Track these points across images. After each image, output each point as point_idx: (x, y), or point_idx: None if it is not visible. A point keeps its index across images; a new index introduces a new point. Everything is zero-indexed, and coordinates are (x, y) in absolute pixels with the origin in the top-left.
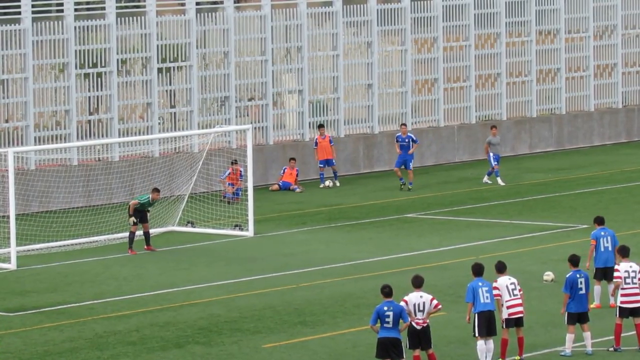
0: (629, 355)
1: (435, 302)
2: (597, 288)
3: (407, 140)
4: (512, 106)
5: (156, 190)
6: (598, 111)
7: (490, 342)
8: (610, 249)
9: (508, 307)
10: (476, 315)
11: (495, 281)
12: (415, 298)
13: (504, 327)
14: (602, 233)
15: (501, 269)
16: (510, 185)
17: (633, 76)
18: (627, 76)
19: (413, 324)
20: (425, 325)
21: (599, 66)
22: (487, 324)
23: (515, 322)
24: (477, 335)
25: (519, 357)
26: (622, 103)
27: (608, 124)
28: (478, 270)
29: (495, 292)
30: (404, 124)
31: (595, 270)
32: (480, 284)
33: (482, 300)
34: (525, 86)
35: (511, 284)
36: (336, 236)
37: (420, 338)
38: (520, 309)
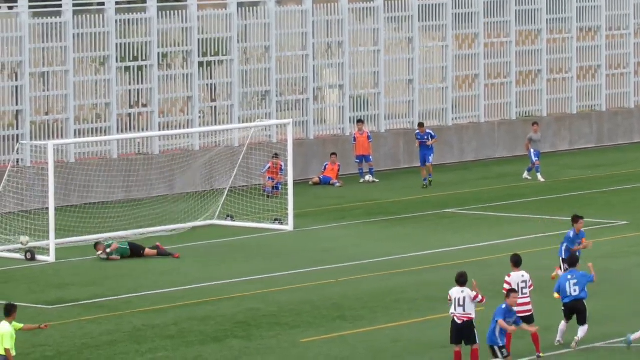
0: None
1: (479, 297)
2: None
3: (425, 137)
4: (552, 103)
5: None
6: (638, 108)
7: (583, 328)
8: None
9: (519, 305)
10: (563, 305)
11: (509, 275)
12: (457, 293)
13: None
14: None
15: (517, 263)
16: (549, 181)
17: None
18: None
19: (455, 318)
20: (466, 320)
21: None
22: (570, 313)
23: (523, 320)
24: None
25: (538, 354)
26: None
27: None
28: (571, 261)
29: (505, 286)
30: (421, 124)
31: None
32: (569, 277)
33: (568, 293)
34: (565, 83)
35: (522, 281)
36: (374, 231)
37: (462, 333)
38: (527, 307)
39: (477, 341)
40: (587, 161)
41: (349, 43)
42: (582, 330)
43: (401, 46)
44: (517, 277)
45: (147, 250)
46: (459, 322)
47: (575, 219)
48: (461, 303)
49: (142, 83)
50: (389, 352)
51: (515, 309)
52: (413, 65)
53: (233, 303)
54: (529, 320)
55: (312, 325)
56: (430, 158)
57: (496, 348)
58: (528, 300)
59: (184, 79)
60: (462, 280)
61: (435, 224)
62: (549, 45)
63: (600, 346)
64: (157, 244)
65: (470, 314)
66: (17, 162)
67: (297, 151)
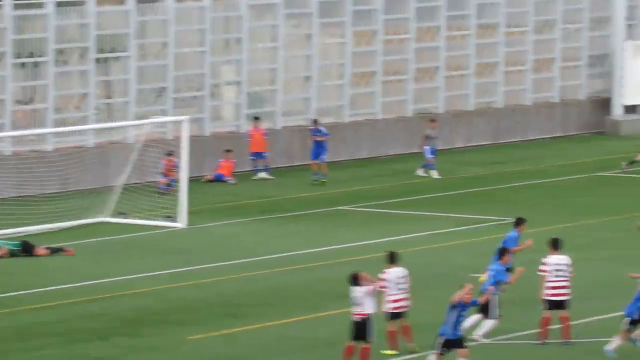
0: (554, 348)
1: (374, 286)
2: None
3: (318, 133)
4: (449, 99)
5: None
6: (535, 105)
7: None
8: None
9: (393, 301)
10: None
11: (384, 272)
12: (354, 292)
13: (389, 319)
14: None
15: (393, 259)
16: (445, 178)
17: (571, 71)
18: (565, 71)
19: (354, 316)
20: (363, 317)
21: (538, 60)
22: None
23: (397, 316)
24: None
25: (413, 345)
26: (560, 97)
27: (545, 118)
28: (500, 253)
29: (381, 283)
30: (316, 120)
31: None
32: (492, 267)
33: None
34: (463, 79)
35: (401, 277)
36: (268, 228)
37: (359, 330)
38: (405, 302)
39: (370, 340)
40: (484, 158)
41: (247, 40)
42: (484, 325)
43: (299, 43)
44: (395, 273)
45: (39, 250)
46: (356, 319)
47: (520, 221)
48: (358, 302)
49: (37, 79)
50: (277, 349)
51: (392, 305)
52: (311, 62)
53: (123, 300)
54: (400, 316)
55: (200, 323)
56: (324, 157)
57: (441, 339)
58: (406, 295)
59: (79, 75)
60: (355, 281)
61: (329, 221)
62: (448, 42)
63: (489, 343)
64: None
65: (366, 311)
66: None
67: (192, 148)
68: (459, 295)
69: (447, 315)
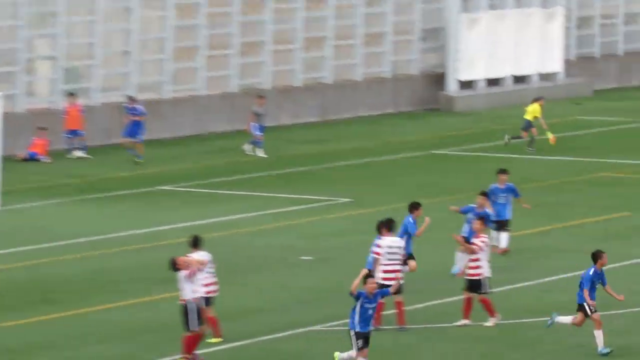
0: (389, 334)
1: (190, 271)
2: None
3: (135, 111)
4: (276, 75)
5: None
6: (366, 80)
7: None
8: None
9: (205, 286)
10: None
11: (187, 256)
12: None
13: (204, 305)
14: None
15: (195, 244)
16: (271, 156)
17: (403, 45)
18: (398, 45)
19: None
20: (182, 304)
21: (369, 34)
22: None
23: (211, 301)
24: None
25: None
26: (392, 72)
27: (376, 94)
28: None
29: (199, 266)
30: (131, 97)
31: None
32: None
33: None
34: (291, 54)
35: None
36: (86, 209)
37: (182, 317)
38: (214, 287)
39: (189, 328)
40: (312, 135)
41: (63, 13)
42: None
43: (119, 16)
44: (198, 258)
45: None
46: (180, 305)
47: (414, 206)
48: (180, 287)
49: None
50: (96, 336)
51: (204, 289)
52: (130, 36)
53: None
54: (210, 301)
55: (14, 309)
56: (141, 136)
57: (352, 333)
58: (214, 280)
59: None
60: (174, 267)
61: (150, 201)
62: (275, 16)
63: (319, 329)
64: None
65: (185, 297)
66: None
67: (5, 125)
68: (356, 284)
69: (352, 307)
